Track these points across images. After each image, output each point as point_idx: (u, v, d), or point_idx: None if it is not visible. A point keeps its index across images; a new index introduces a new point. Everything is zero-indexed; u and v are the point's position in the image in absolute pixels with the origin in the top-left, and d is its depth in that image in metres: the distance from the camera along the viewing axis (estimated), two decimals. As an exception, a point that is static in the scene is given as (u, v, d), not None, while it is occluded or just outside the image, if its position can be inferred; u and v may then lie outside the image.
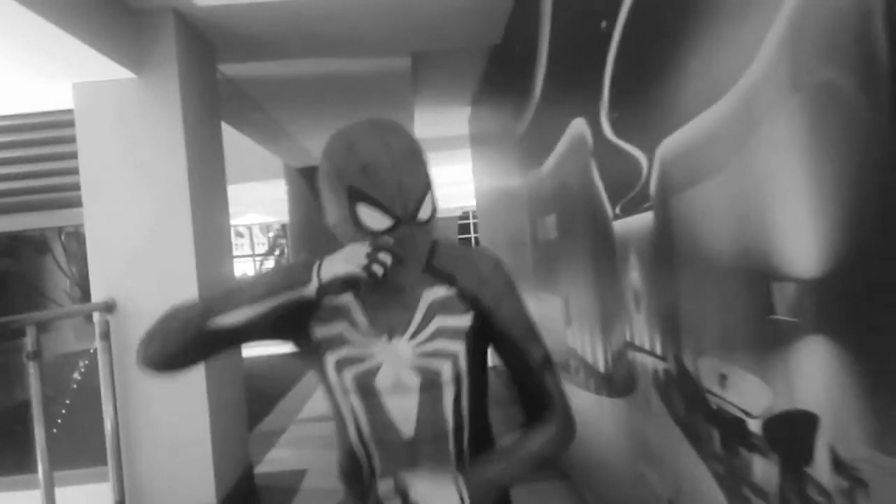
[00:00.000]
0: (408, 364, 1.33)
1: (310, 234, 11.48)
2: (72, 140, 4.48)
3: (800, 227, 1.44)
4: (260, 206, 18.08)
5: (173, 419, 4.07)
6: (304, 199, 11.40)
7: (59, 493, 3.44)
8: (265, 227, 30.28)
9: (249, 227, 31.42)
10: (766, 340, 1.62)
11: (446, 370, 1.33)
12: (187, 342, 1.25)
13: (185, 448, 4.08)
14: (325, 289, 1.26)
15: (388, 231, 1.26)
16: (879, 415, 1.26)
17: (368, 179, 1.24)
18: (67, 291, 5.78)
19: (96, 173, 4.15)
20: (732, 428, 1.86)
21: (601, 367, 3.26)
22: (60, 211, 5.09)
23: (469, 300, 1.36)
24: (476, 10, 4.61)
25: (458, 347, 1.34)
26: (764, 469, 1.71)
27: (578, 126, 3.16)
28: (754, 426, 1.74)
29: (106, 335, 3.98)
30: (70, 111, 4.37)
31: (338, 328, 1.36)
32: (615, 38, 2.52)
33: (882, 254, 1.19)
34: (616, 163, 2.66)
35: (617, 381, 3.03)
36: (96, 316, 4.00)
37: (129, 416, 4.06)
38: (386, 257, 1.23)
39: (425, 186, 1.28)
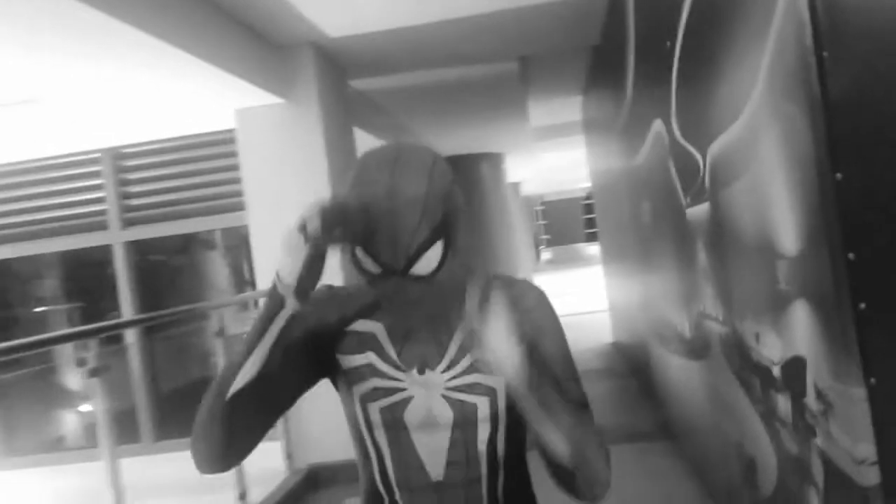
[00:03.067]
0: (439, 397, 1.24)
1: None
2: (232, 155, 5.34)
3: (784, 215, 1.92)
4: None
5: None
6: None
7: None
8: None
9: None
10: (776, 304, 2.10)
11: (483, 406, 1.24)
12: (225, 424, 1.14)
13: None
14: (302, 288, 1.13)
15: (380, 277, 1.18)
16: (836, 355, 1.73)
17: (365, 223, 1.14)
18: (226, 283, 6.74)
19: (256, 182, 4.98)
20: (766, 375, 2.34)
21: (686, 334, 3.73)
22: (224, 215, 6.01)
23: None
24: (574, 18, 5.10)
25: (498, 383, 1.23)
26: (784, 404, 2.18)
27: (658, 126, 3.63)
28: (776, 372, 2.21)
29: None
30: (230, 131, 5.24)
31: (365, 358, 1.28)
32: (676, 56, 2.99)
33: (829, 233, 1.68)
34: (684, 160, 3.13)
35: (697, 346, 3.49)
36: (262, 301, 4.81)
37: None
38: (314, 228, 1.10)
39: (427, 241, 1.15)
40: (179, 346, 6.87)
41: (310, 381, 1.30)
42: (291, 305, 1.14)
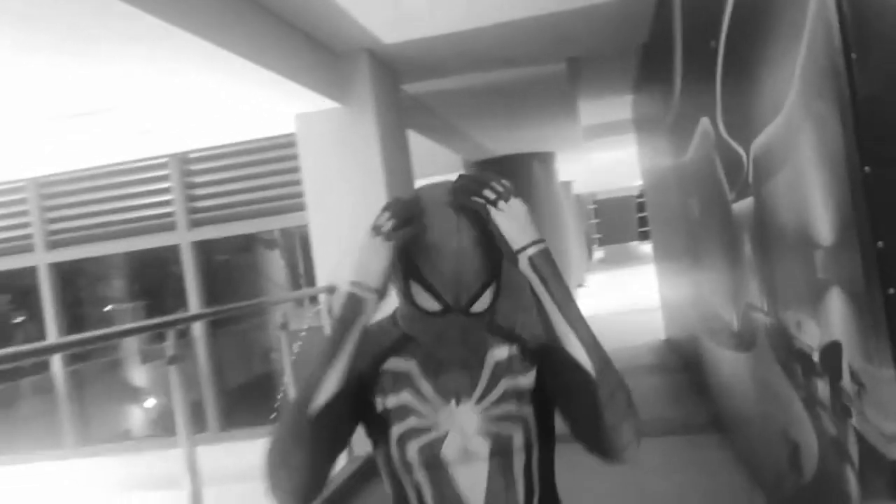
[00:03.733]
0: (476, 430, 1.25)
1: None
2: (292, 158, 5.59)
3: (820, 208, 2.03)
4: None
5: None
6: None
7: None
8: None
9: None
10: (815, 293, 2.20)
11: (517, 436, 1.26)
12: (308, 445, 1.12)
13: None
14: (383, 291, 1.18)
15: (436, 315, 1.20)
16: (867, 339, 1.84)
17: (429, 261, 1.17)
18: (284, 280, 7.01)
19: (315, 183, 5.21)
20: (806, 361, 2.43)
21: (735, 327, 3.81)
22: (284, 215, 6.27)
23: (530, 355, 1.29)
24: (622, 18, 5.20)
25: (528, 411, 1.27)
26: (823, 388, 2.28)
27: (705, 124, 3.73)
28: (816, 357, 2.31)
29: (329, 312, 5.02)
30: (291, 135, 5.48)
31: (401, 398, 1.27)
32: (720, 55, 3.09)
33: (859, 223, 1.78)
34: (729, 156, 3.23)
35: (745, 338, 3.58)
36: (322, 297, 5.05)
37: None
38: (389, 223, 1.16)
39: (487, 280, 1.20)
40: (242, 342, 7.18)
41: (354, 423, 1.28)
42: (372, 309, 1.17)
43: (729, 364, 4.21)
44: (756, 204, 2.86)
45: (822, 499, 2.51)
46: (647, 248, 24.59)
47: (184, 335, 6.43)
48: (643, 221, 28.00)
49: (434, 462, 1.25)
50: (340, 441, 1.21)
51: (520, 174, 12.07)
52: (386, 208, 1.18)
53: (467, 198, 1.19)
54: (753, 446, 3.88)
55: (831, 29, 1.76)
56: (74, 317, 7.09)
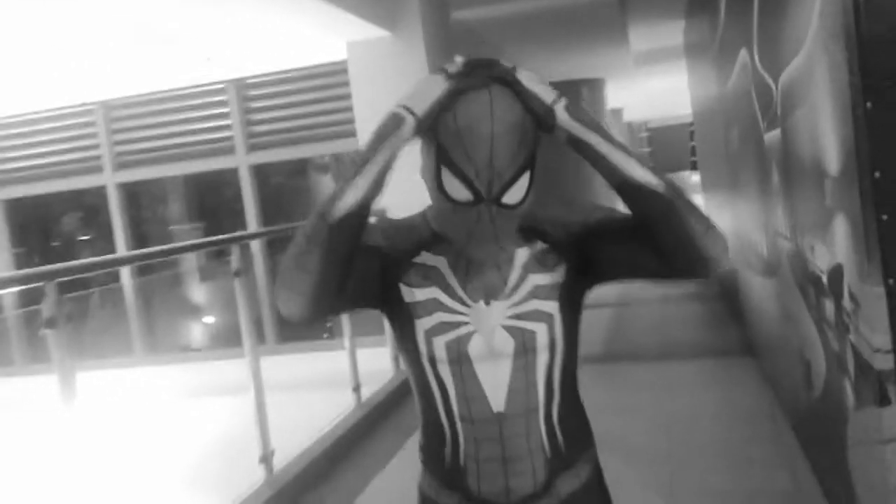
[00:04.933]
0: (501, 327, 1.26)
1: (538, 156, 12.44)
2: (344, 85, 5.80)
3: (829, 139, 2.18)
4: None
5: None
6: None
7: (359, 352, 4.84)
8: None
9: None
10: (824, 219, 2.37)
11: (541, 333, 1.26)
12: (325, 250, 1.12)
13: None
14: (425, 123, 1.15)
15: (468, 206, 1.17)
16: (863, 260, 2.02)
17: (460, 146, 1.15)
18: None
19: (366, 110, 5.43)
20: (817, 283, 2.62)
21: (764, 253, 3.97)
22: (336, 141, 6.51)
23: (560, 249, 1.29)
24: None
25: (553, 308, 1.27)
26: (830, 308, 2.47)
27: (744, 56, 3.81)
28: (824, 279, 2.49)
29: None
30: (342, 62, 5.68)
31: (430, 292, 1.27)
32: (757, -12, 3.18)
33: (859, 154, 1.95)
34: (762, 88, 3.34)
35: (772, 264, 3.74)
36: (373, 220, 5.31)
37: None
38: (456, 67, 1.17)
39: (520, 170, 1.17)
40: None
41: (373, 298, 1.30)
42: (408, 134, 1.14)
43: (759, 290, 4.38)
44: (782, 135, 2.99)
45: (827, 412, 2.72)
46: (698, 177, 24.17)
47: (243, 253, 6.82)
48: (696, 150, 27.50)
49: (459, 357, 1.26)
50: (355, 256, 1.18)
51: (569, 100, 12.02)
52: (459, 59, 1.18)
53: (491, 69, 1.17)
54: (777, 367, 4.08)
55: (842, -28, 1.89)
56: (139, 235, 7.53)
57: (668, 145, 34.09)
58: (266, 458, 3.61)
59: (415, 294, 1.28)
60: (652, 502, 3.22)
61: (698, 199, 11.00)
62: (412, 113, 1.14)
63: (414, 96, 1.15)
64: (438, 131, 1.17)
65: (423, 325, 1.27)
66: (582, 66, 11.05)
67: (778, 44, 2.87)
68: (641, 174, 1.15)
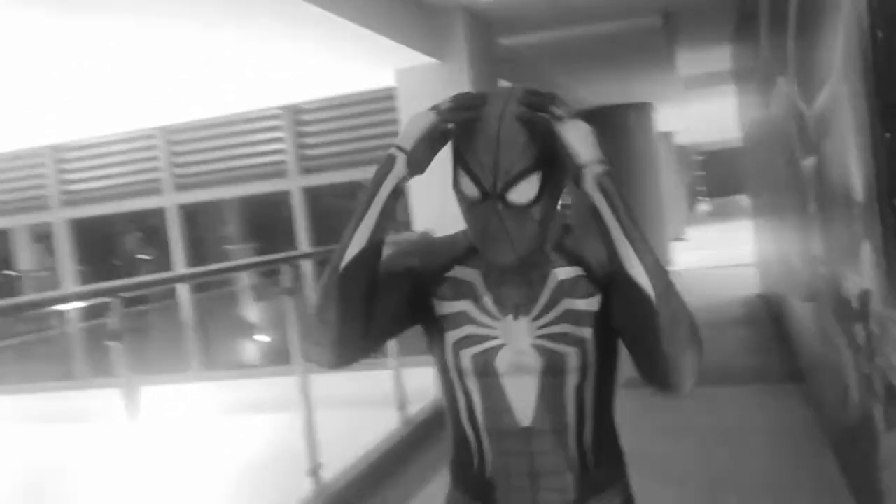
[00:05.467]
0: (530, 345, 1.26)
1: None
2: (393, 110, 6.00)
3: (855, 168, 2.25)
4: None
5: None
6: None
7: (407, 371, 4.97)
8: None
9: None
10: (854, 245, 2.43)
11: (572, 356, 1.25)
12: (339, 300, 1.17)
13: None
14: (415, 156, 1.18)
15: (477, 203, 1.21)
16: (889, 286, 2.08)
17: (470, 144, 1.19)
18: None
19: (413, 136, 5.59)
20: (848, 308, 2.67)
21: (806, 279, 3.99)
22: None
23: (596, 280, 1.27)
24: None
25: (587, 334, 1.25)
26: (860, 332, 2.52)
27: (782, 83, 3.87)
28: (855, 304, 2.54)
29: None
30: (391, 89, 5.88)
31: (461, 306, 1.29)
32: (792, 17, 3.25)
33: (879, 182, 2.02)
34: (798, 116, 3.40)
35: (812, 289, 3.77)
36: (414, 237, 5.46)
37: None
38: (444, 104, 1.20)
39: (528, 168, 1.17)
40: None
41: (407, 320, 1.31)
42: (401, 170, 1.18)
43: (802, 315, 4.39)
44: (816, 162, 3.05)
45: (862, 434, 2.75)
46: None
47: (294, 272, 7.03)
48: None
49: (486, 370, 1.27)
50: (375, 299, 1.22)
51: (616, 125, 12.08)
52: (452, 97, 1.22)
53: (532, 111, 1.18)
54: (819, 391, 4.08)
55: (863, 7, 1.98)
56: (196, 254, 7.82)
57: (720, 168, 33.78)
58: (314, 471, 3.75)
59: (446, 307, 1.30)
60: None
61: (747, 225, 10.91)
62: (403, 150, 1.19)
63: (405, 135, 1.20)
64: (456, 133, 1.22)
65: (451, 337, 1.29)
66: (630, 90, 11.10)
67: (810, 73, 2.94)
68: (639, 273, 1.13)
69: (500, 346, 1.27)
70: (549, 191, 1.20)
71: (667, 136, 18.54)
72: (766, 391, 5.23)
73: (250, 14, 4.07)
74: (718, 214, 28.92)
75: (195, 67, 5.21)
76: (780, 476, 3.64)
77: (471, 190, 1.20)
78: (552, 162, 1.18)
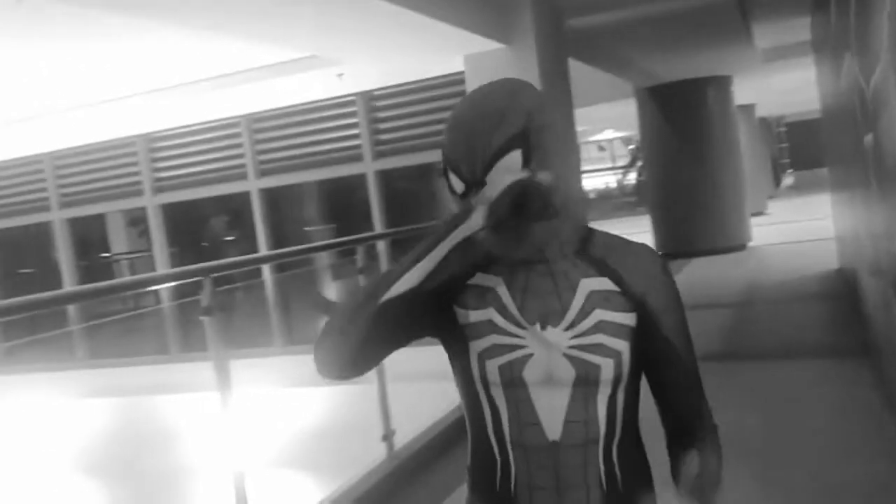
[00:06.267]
0: (562, 355, 1.20)
1: (659, 146, 12.40)
2: (461, 94, 6.18)
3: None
4: (614, 122, 19.41)
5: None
6: (652, 114, 12.29)
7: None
8: (626, 140, 31.09)
9: (611, 141, 32.59)
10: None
11: (607, 368, 1.20)
12: (367, 327, 1.15)
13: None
14: (495, 212, 1.14)
15: (464, 196, 1.17)
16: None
17: (449, 137, 1.18)
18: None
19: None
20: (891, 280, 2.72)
21: (872, 255, 4.00)
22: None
23: (635, 300, 1.23)
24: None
25: (623, 346, 1.21)
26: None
27: (848, 59, 3.87)
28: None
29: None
30: (460, 73, 6.05)
31: (485, 314, 1.24)
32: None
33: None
34: (860, 91, 3.41)
35: (877, 265, 3.78)
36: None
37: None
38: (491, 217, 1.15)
39: (502, 148, 1.14)
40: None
41: (421, 330, 1.27)
42: (474, 225, 1.15)
43: (870, 291, 4.38)
44: (874, 138, 3.08)
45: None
46: (840, 174, 22.97)
47: (370, 253, 7.33)
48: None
49: (513, 381, 1.21)
50: (401, 335, 1.23)
51: (693, 99, 11.92)
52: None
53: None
54: (885, 367, 4.09)
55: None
56: (278, 236, 8.20)
57: (805, 140, 32.55)
58: (388, 437, 4.01)
59: (469, 316, 1.25)
60: (768, 495, 3.34)
61: (826, 198, 10.61)
62: (487, 200, 1.15)
63: (489, 193, 1.16)
64: (444, 133, 1.20)
65: (476, 347, 1.23)
66: (706, 64, 10.94)
67: (869, 48, 2.97)
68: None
69: (529, 356, 1.21)
70: (535, 168, 1.16)
71: (747, 109, 18.08)
72: (835, 365, 5.22)
73: (330, 10, 4.33)
74: (802, 187, 28.03)
75: (278, 60, 5.51)
76: (846, 448, 3.69)
77: (457, 184, 1.18)
78: (535, 139, 1.16)
